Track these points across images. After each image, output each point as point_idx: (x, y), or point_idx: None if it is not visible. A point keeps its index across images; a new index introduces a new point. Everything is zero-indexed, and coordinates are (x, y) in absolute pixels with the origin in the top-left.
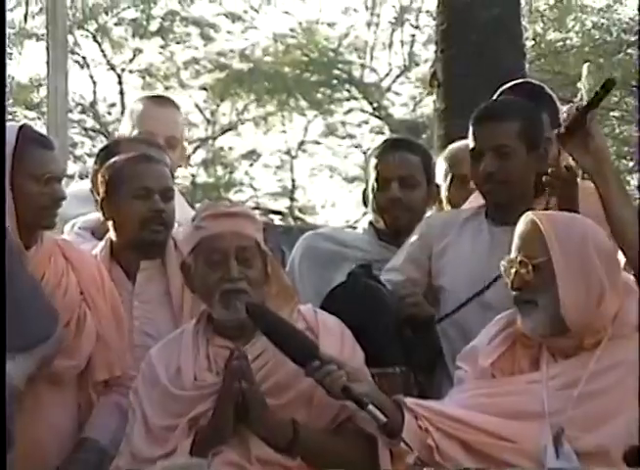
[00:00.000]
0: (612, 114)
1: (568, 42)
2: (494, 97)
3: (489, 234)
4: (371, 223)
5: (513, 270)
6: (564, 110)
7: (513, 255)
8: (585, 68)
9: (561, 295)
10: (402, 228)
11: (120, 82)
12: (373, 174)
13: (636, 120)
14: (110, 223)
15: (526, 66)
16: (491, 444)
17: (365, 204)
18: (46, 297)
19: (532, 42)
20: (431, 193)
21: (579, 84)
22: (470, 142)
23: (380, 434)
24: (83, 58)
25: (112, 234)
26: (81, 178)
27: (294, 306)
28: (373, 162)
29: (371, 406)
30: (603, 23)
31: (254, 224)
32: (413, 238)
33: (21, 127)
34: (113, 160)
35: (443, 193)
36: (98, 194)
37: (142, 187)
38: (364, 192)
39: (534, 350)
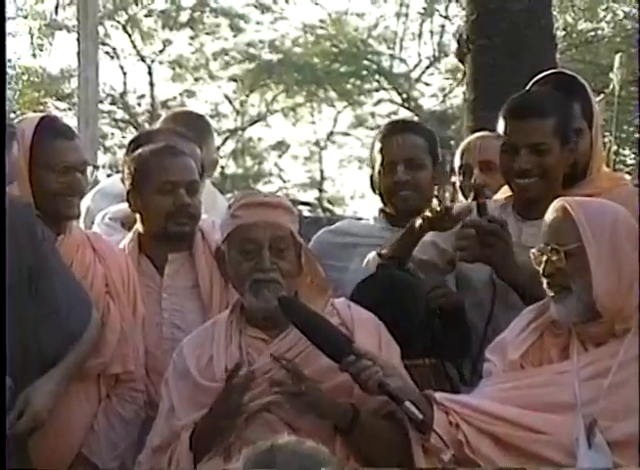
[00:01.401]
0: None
1: (599, 32)
2: (527, 88)
3: (517, 229)
4: (382, 210)
5: (544, 258)
6: None
7: (543, 242)
8: (617, 58)
9: (594, 280)
10: (412, 210)
11: (150, 73)
12: (378, 158)
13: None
14: (137, 216)
15: (557, 56)
16: (522, 436)
17: (374, 190)
18: (78, 282)
19: (563, 32)
20: (437, 173)
21: (611, 74)
22: (502, 135)
23: (412, 430)
24: (113, 49)
25: (139, 226)
26: (111, 169)
27: (327, 299)
28: (377, 146)
29: (407, 403)
30: (634, 13)
31: (290, 215)
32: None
33: (42, 118)
34: (138, 151)
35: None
36: None
37: (167, 181)
38: (371, 178)
39: (563, 338)
